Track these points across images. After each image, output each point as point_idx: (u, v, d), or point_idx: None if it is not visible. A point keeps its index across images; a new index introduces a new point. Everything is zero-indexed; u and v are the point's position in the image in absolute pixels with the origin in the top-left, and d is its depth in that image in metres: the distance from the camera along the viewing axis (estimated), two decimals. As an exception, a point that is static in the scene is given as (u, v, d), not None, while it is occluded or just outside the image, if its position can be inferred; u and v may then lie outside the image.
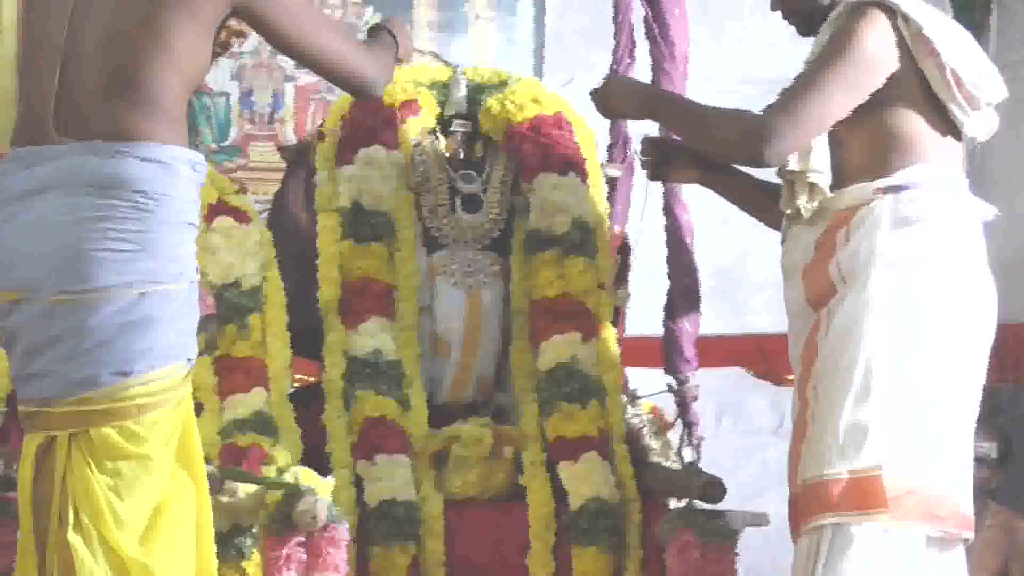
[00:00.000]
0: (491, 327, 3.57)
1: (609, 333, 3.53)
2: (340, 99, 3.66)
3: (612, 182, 3.78)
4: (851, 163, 2.87)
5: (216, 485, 3.08)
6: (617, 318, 3.64)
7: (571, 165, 3.60)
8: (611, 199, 3.75)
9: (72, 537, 2.36)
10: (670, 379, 3.44)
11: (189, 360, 2.50)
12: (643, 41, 3.61)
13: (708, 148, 3.07)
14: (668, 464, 3.36)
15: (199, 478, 2.57)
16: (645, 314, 3.79)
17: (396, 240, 3.52)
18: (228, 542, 3.08)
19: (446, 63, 3.78)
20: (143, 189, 2.39)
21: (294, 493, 3.00)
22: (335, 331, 3.43)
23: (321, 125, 3.73)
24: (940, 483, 2.73)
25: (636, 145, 3.37)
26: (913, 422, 2.73)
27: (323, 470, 3.20)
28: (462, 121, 3.65)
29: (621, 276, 3.74)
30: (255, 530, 3.06)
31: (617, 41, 3.88)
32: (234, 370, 3.40)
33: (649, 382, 3.66)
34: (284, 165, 4.22)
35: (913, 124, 2.81)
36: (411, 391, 3.40)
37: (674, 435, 3.45)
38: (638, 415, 3.50)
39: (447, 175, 3.61)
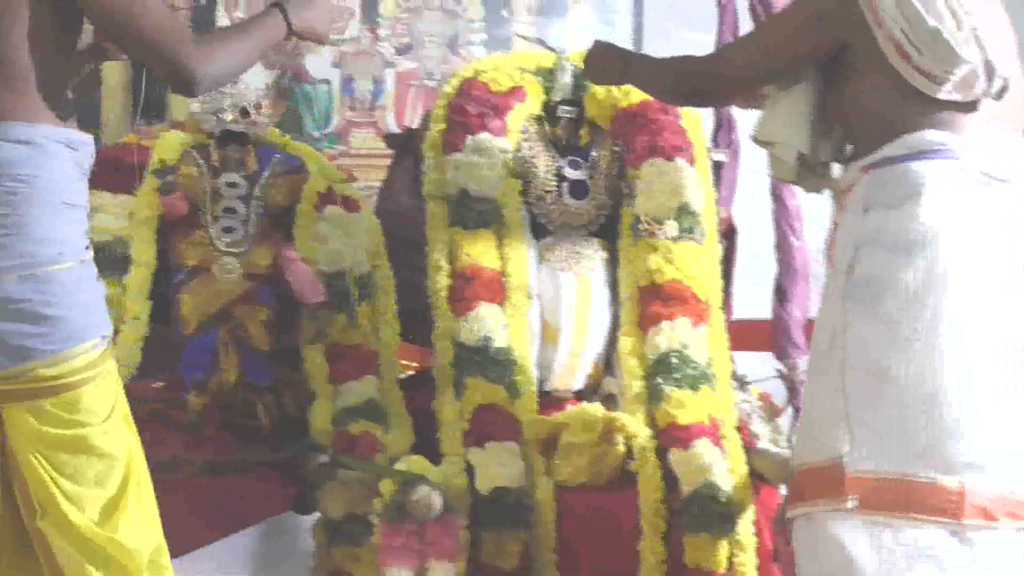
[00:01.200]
0: (600, 313, 3.55)
1: (718, 318, 3.50)
2: (447, 86, 3.68)
3: (718, 166, 3.76)
4: (853, 145, 2.76)
5: (330, 472, 3.13)
6: (725, 303, 3.61)
7: (677, 150, 3.58)
8: (717, 183, 3.73)
9: (42, 525, 2.40)
10: (779, 364, 3.40)
11: (104, 337, 2.49)
12: (748, 24, 3.57)
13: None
14: (778, 450, 3.32)
15: (136, 444, 2.57)
16: (753, 298, 3.77)
17: (504, 227, 3.52)
18: (342, 529, 3.14)
19: (551, 49, 3.77)
20: (11, 172, 2.37)
21: (409, 481, 3.03)
22: (445, 318, 3.44)
23: (428, 113, 3.73)
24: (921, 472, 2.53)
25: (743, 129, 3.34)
26: (887, 411, 2.55)
27: (433, 458, 3.23)
28: (568, 107, 3.65)
29: (728, 261, 3.71)
30: (369, 517, 3.09)
31: (721, 23, 3.85)
32: (345, 358, 3.45)
33: (758, 367, 3.64)
34: (385, 151, 4.27)
35: (892, 96, 2.64)
36: (521, 378, 3.39)
37: (784, 420, 3.42)
38: (748, 401, 3.47)
39: (554, 161, 3.61)
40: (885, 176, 2.61)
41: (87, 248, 2.50)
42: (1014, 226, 2.61)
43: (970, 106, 2.62)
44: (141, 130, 3.90)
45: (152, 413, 3.35)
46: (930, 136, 2.60)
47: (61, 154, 2.43)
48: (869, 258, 2.58)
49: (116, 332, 3.33)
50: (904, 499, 2.50)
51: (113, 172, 3.59)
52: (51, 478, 2.40)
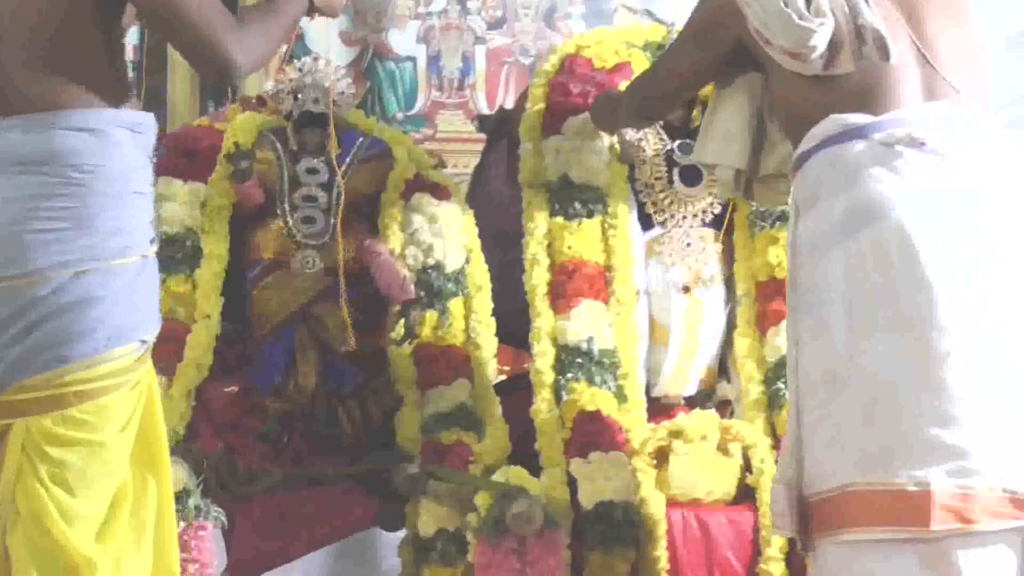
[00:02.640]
0: (714, 312, 3.57)
1: (846, 317, 3.49)
2: (547, 62, 3.70)
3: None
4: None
5: (420, 485, 3.17)
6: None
7: (802, 130, 3.57)
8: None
9: (10, 541, 2.40)
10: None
11: (143, 342, 2.51)
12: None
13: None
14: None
15: (161, 467, 2.57)
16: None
17: (609, 217, 3.53)
18: (433, 546, 3.17)
19: (660, 21, 3.78)
20: (73, 162, 2.40)
21: (506, 494, 3.05)
22: (544, 317, 3.47)
23: (524, 93, 3.75)
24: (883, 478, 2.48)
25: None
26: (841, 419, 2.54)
27: (532, 469, 3.24)
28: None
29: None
30: (463, 534, 3.12)
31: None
32: (436, 360, 3.49)
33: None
34: (475, 135, 4.29)
35: (795, 87, 2.71)
36: (627, 382, 3.41)
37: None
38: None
39: (664, 145, 3.62)
40: (804, 174, 2.67)
41: (152, 241, 2.55)
42: (958, 201, 2.55)
43: (885, 80, 2.63)
44: (213, 112, 3.96)
45: (227, 421, 3.42)
46: (833, 121, 2.62)
47: (125, 139, 2.48)
48: (806, 264, 2.63)
49: (187, 331, 3.43)
50: (870, 510, 2.47)
51: (183, 157, 3.66)
52: (49, 491, 2.40)
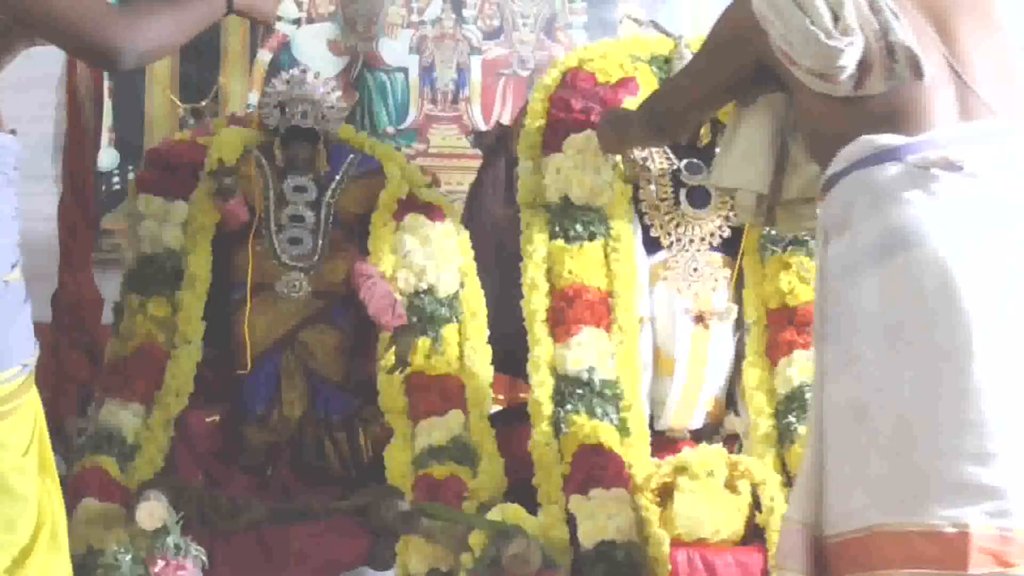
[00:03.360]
0: (721, 340, 3.57)
1: (861, 348, 3.49)
2: (547, 76, 3.71)
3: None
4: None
5: (411, 522, 3.16)
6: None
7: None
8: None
9: None
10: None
11: (24, 366, 2.50)
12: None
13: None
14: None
15: (49, 465, 2.58)
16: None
17: (611, 240, 3.54)
18: (425, 587, 3.17)
19: (667, 34, 3.78)
20: None
21: (502, 533, 3.04)
22: (542, 345, 3.47)
23: (524, 108, 3.76)
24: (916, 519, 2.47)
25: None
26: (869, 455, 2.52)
27: (529, 505, 3.24)
28: (681, 101, 3.65)
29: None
30: (456, 574, 3.11)
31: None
32: (428, 389, 3.48)
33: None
34: (469, 151, 4.28)
35: (823, 109, 2.69)
36: (630, 415, 3.41)
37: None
38: (895, 444, 3.45)
39: (670, 164, 3.62)
40: (833, 198, 2.65)
41: (14, 266, 2.51)
42: (996, 226, 2.53)
43: (917, 99, 2.60)
44: (194, 126, 3.95)
45: (208, 452, 3.42)
46: (864, 142, 2.60)
47: None
48: (835, 292, 2.61)
49: (167, 357, 3.43)
50: (904, 552, 2.45)
51: (163, 174, 3.65)
52: None
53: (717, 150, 3.17)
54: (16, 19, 2.47)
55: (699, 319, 3.54)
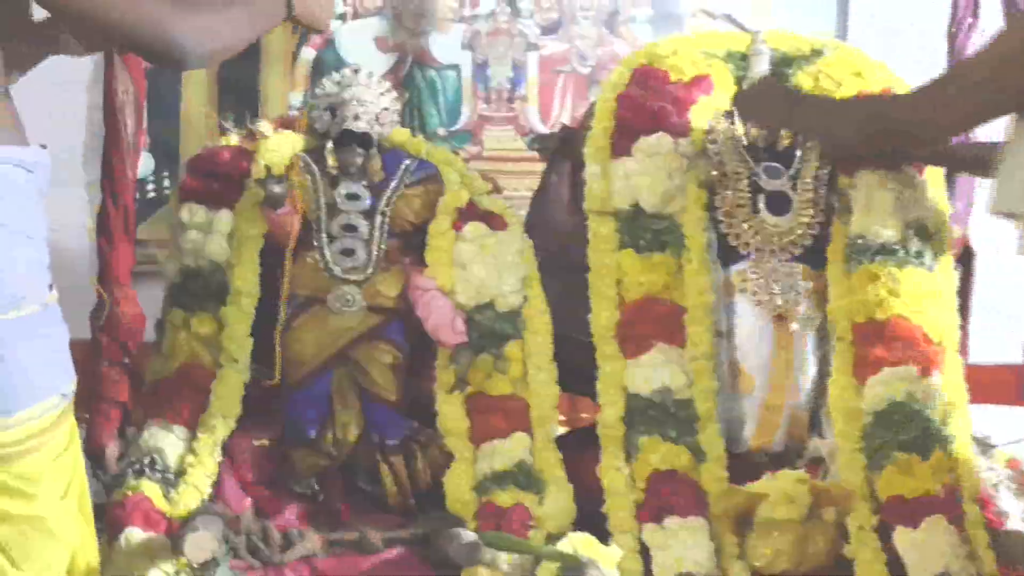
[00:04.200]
0: (805, 357, 3.55)
1: (954, 364, 3.47)
2: (615, 74, 3.70)
3: (951, 175, 3.73)
4: None
5: (475, 554, 3.14)
6: (962, 344, 3.57)
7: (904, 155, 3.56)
8: (951, 194, 3.70)
9: None
10: (1031, 421, 3.37)
11: (64, 395, 2.51)
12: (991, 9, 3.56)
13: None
14: (1033, 532, 3.28)
15: (85, 501, 2.61)
16: (995, 338, 3.72)
17: (685, 249, 3.53)
18: (490, 623, 3.16)
19: (743, 28, 3.78)
20: None
21: (573, 565, 3.04)
22: (611, 362, 3.47)
23: (590, 109, 3.74)
24: None
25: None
26: None
27: (600, 535, 3.23)
28: (765, 100, 3.63)
29: (964, 290, 3.68)
30: (523, 610, 3.11)
31: (955, 11, 3.85)
32: (490, 411, 3.49)
33: (1004, 425, 3.58)
34: (526, 154, 4.28)
35: None
36: (706, 437, 3.41)
37: (1041, 494, 3.38)
38: (992, 468, 3.43)
39: (748, 168, 3.61)
40: None
41: (51, 288, 2.53)
42: None
43: None
44: (234, 131, 3.94)
45: (257, 478, 3.42)
46: None
47: (15, 178, 2.46)
48: None
49: (213, 377, 3.43)
50: None
51: (207, 181, 3.65)
52: None
53: (998, 169, 2.97)
54: (74, 18, 2.48)
55: (780, 333, 3.52)
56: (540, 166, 3.95)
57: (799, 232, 3.60)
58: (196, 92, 4.93)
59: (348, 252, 3.59)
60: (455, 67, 5.15)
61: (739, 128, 3.65)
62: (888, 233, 3.49)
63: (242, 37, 2.62)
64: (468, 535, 3.17)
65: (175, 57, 2.46)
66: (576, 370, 3.56)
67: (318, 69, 4.82)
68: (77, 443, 2.60)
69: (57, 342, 2.54)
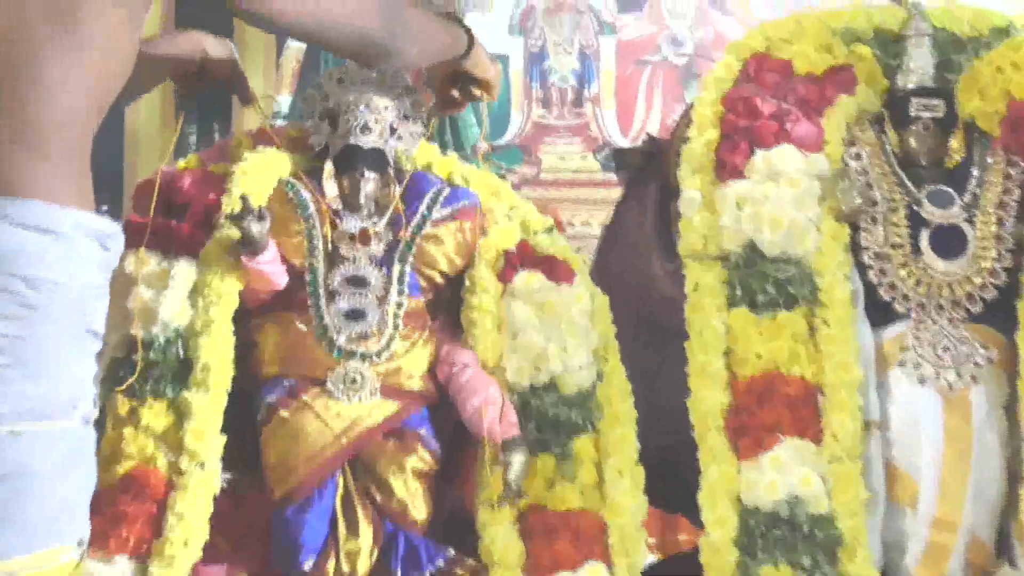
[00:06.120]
0: (988, 455, 3.55)
1: None
2: (719, 65, 3.72)
3: None
4: None
5: None
6: None
7: None
8: None
9: None
10: None
11: (80, 544, 2.55)
12: None
13: None
14: None
15: None
16: None
17: (821, 306, 3.54)
18: None
19: (896, 1, 3.78)
20: (25, 273, 2.43)
21: None
22: (720, 463, 3.49)
23: (686, 113, 3.75)
24: None
25: None
26: None
27: None
28: (927, 100, 3.66)
29: None
30: None
31: None
32: (553, 533, 3.50)
33: None
34: (600, 177, 4.29)
35: None
36: (852, 565, 3.41)
37: None
38: None
39: (906, 194, 3.62)
40: None
41: (95, 403, 2.59)
42: None
43: None
44: (208, 147, 3.95)
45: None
46: None
47: (91, 254, 2.54)
48: None
49: (171, 488, 3.44)
50: None
51: (161, 218, 3.66)
52: None
53: None
54: (298, 35, 3.03)
55: (953, 422, 3.52)
56: (617, 192, 3.95)
57: (978, 281, 3.60)
58: (145, 99, 4.97)
59: (356, 315, 3.60)
60: (502, 58, 5.17)
61: (891, 139, 3.65)
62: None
63: (440, 51, 3.32)
64: None
65: (383, 55, 3.11)
66: (670, 475, 3.57)
67: (310, 63, 4.83)
68: None
69: (86, 471, 2.59)
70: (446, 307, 3.69)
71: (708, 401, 3.52)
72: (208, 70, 3.50)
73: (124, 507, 3.42)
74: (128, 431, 3.50)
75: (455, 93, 3.54)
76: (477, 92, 3.52)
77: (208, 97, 4.17)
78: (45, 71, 2.50)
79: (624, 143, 4.87)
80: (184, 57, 3.43)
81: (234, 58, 3.55)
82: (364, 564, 3.50)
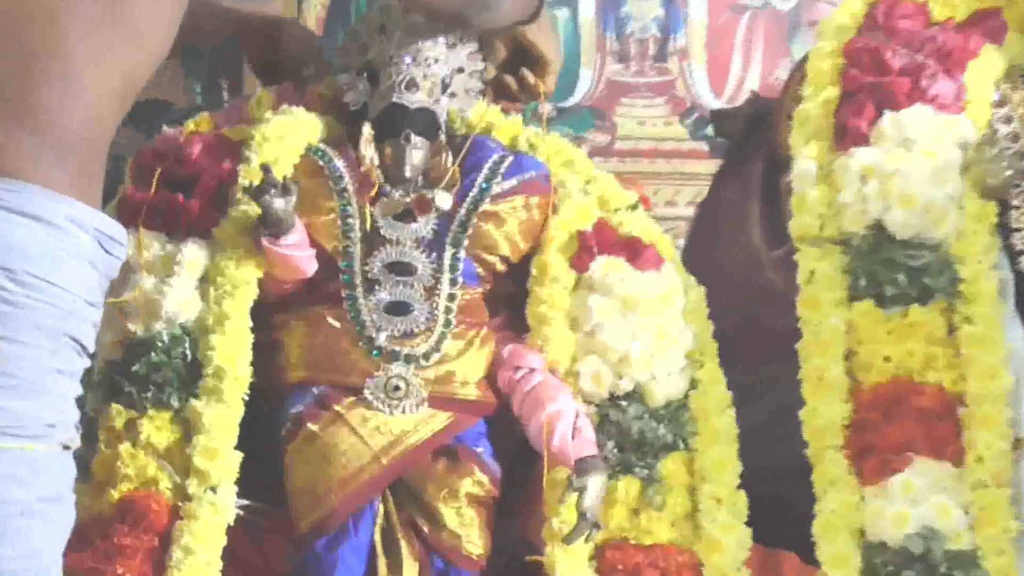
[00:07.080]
0: None
1: None
2: (838, 11, 3.70)
3: None
4: None
5: None
6: None
7: None
8: None
9: None
10: None
11: None
12: None
13: None
14: None
15: None
16: None
17: (963, 301, 3.49)
18: None
19: (1055, -72, 3.75)
20: (7, 265, 2.49)
21: None
22: (840, 489, 3.45)
23: (799, 67, 3.72)
24: None
25: None
26: None
27: None
28: (1095, 54, 3.64)
29: None
30: None
31: None
32: (637, 571, 3.48)
33: None
34: (688, 144, 4.28)
35: None
36: (1001, 612, 3.37)
37: None
38: None
39: (1065, 166, 3.57)
40: None
41: (78, 427, 2.67)
42: None
43: None
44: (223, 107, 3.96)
45: None
46: None
47: (84, 253, 2.61)
48: None
49: (175, 517, 3.41)
50: None
51: (166, 193, 3.64)
52: None
53: None
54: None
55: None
56: (708, 164, 3.93)
57: None
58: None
59: (399, 308, 3.59)
60: (568, 3, 5.17)
61: (1052, 97, 3.61)
62: None
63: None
64: None
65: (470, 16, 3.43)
66: (777, 504, 3.55)
67: (337, 11, 4.83)
68: None
69: (68, 504, 2.72)
70: (508, 300, 3.68)
71: (825, 414, 3.48)
72: (287, 43, 3.57)
73: (120, 539, 3.40)
74: (125, 448, 3.49)
75: (508, 80, 3.57)
76: (531, 80, 3.56)
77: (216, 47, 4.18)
78: (74, 65, 2.58)
79: (717, 105, 4.84)
80: (259, 23, 3.51)
81: (315, 37, 3.59)
82: (411, 608, 3.49)
